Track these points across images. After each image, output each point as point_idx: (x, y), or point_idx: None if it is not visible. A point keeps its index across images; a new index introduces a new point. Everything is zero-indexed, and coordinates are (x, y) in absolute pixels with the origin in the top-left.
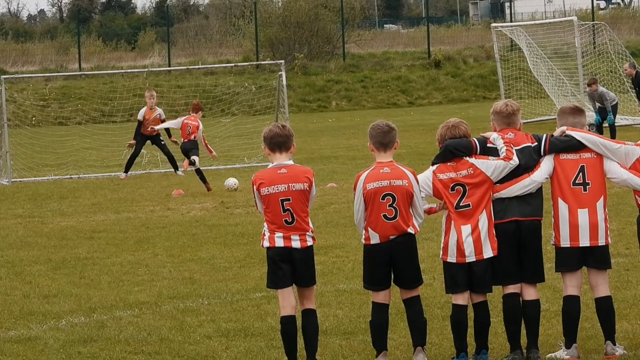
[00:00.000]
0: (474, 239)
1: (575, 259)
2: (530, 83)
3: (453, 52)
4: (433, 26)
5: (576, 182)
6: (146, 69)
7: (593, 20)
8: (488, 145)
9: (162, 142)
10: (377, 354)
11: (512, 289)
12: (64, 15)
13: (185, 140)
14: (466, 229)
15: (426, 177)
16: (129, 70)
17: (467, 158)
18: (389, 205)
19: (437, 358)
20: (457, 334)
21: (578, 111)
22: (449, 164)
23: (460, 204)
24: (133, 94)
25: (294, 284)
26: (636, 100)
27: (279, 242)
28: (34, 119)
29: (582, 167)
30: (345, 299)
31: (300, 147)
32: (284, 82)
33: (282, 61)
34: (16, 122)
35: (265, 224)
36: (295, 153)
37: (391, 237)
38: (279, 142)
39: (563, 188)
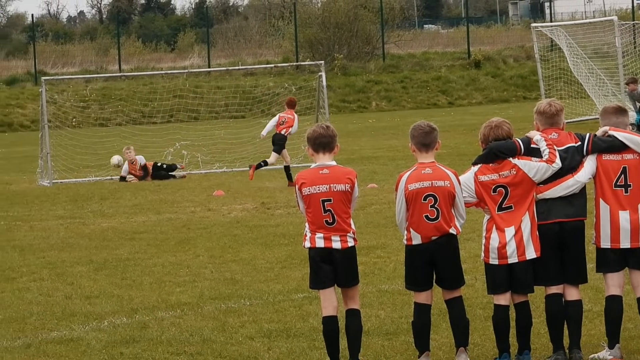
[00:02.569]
0: (517, 240)
1: (616, 260)
2: (571, 83)
3: (493, 52)
4: (473, 26)
5: (618, 183)
6: (186, 70)
7: (633, 20)
8: (532, 145)
9: (163, 172)
10: (420, 355)
11: (554, 289)
12: (104, 16)
13: (278, 131)
14: (509, 231)
15: (468, 179)
16: (169, 72)
17: (510, 158)
18: (431, 206)
19: (479, 358)
20: (500, 335)
21: (621, 111)
22: (490, 165)
23: (503, 206)
24: (173, 95)
25: (336, 285)
26: None
27: (320, 243)
28: (74, 120)
29: (624, 168)
30: (387, 300)
31: (340, 148)
32: (324, 83)
33: (322, 62)
34: (57, 124)
35: (306, 224)
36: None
37: (433, 237)
38: (322, 143)
39: (605, 189)
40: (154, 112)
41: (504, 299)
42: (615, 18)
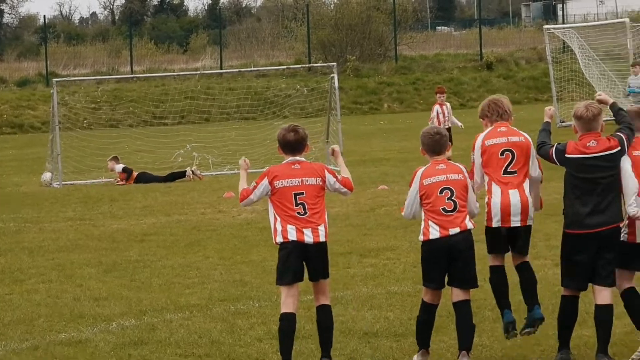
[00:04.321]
0: (522, 203)
1: None
2: (582, 85)
3: (505, 54)
4: (485, 28)
5: None
6: (198, 72)
7: None
8: (567, 155)
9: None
10: (418, 350)
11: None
12: (116, 17)
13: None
14: (514, 194)
15: (478, 144)
16: (181, 73)
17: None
18: (448, 199)
19: None
20: (498, 294)
21: None
22: (499, 129)
23: (508, 170)
24: (185, 97)
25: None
26: None
27: (292, 236)
28: (85, 121)
29: None
30: (396, 301)
31: (351, 150)
32: (336, 85)
33: (334, 63)
34: (67, 125)
35: (274, 220)
36: (348, 155)
37: (451, 232)
38: (292, 147)
39: None
40: (166, 114)
41: (500, 260)
42: (627, 20)
